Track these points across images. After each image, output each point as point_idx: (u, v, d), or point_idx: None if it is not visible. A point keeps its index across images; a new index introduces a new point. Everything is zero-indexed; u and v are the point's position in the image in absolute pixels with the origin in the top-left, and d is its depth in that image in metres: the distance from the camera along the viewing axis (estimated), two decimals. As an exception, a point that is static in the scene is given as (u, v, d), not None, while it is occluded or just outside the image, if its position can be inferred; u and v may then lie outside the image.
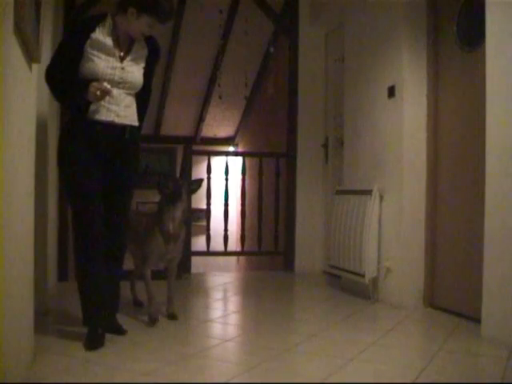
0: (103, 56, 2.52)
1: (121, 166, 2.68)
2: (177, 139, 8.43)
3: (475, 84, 3.06)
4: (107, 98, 2.50)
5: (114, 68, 2.54)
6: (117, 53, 2.56)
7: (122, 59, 2.57)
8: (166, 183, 2.94)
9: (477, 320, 2.84)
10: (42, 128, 2.96)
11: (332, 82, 5.06)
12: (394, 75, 3.63)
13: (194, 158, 5.08)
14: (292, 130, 5.19)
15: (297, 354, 2.55)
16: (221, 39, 6.52)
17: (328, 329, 3.01)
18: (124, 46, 2.60)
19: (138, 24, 2.53)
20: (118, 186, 2.70)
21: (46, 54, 2.88)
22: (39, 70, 2.44)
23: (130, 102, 2.65)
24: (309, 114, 5.14)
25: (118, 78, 2.54)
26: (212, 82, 7.35)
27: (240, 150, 8.64)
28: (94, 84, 2.43)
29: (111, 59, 2.54)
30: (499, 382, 2.16)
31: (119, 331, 2.69)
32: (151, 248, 2.97)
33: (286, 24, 5.35)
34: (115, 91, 2.53)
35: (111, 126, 2.58)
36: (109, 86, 2.44)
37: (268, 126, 6.90)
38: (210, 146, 8.02)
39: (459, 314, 3.20)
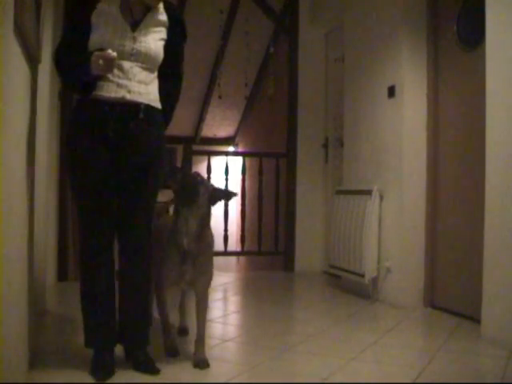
0: (111, 26, 2.17)
1: (136, 155, 2.21)
2: (177, 139, 8.42)
3: (475, 84, 3.05)
4: (116, 71, 2.14)
5: (123, 38, 2.17)
6: (127, 21, 2.20)
7: (133, 28, 2.20)
8: (174, 174, 2.24)
9: (477, 320, 2.84)
10: (42, 128, 2.96)
11: (332, 82, 5.06)
12: (394, 75, 3.63)
13: (194, 157, 5.09)
14: (292, 130, 5.20)
15: (297, 353, 2.54)
16: (221, 39, 6.52)
17: (328, 329, 3.01)
18: (137, 14, 2.23)
19: None
20: (135, 180, 2.23)
21: (46, 54, 2.89)
22: (39, 69, 2.44)
23: (147, 77, 2.23)
24: (309, 114, 5.14)
25: (128, 48, 2.17)
26: (212, 82, 7.35)
27: (240, 150, 8.64)
28: (96, 53, 2.07)
29: (120, 28, 2.18)
30: (499, 382, 2.16)
31: (150, 368, 2.19)
32: (164, 267, 2.30)
33: (286, 24, 5.36)
34: (127, 64, 2.17)
35: (121, 106, 2.17)
36: (114, 53, 2.06)
37: (268, 126, 6.90)
38: (210, 146, 8.02)
39: (459, 314, 3.20)
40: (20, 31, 1.73)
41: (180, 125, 8.37)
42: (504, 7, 2.66)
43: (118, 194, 2.24)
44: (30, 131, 2.16)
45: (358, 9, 4.16)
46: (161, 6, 2.29)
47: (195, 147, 6.10)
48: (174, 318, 2.66)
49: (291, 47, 5.28)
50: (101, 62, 2.04)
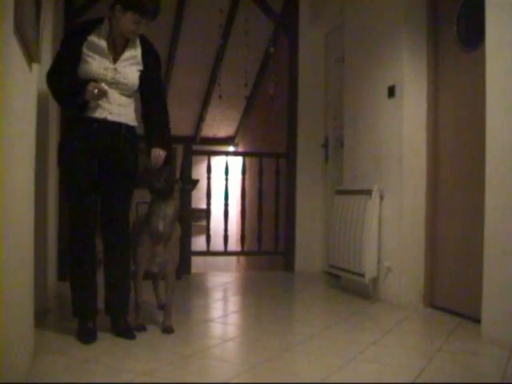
0: (97, 57, 2.63)
1: (117, 163, 2.71)
2: (177, 139, 8.41)
3: (475, 84, 3.05)
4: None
5: (106, 69, 2.64)
6: (111, 54, 2.66)
7: (115, 61, 2.67)
8: (159, 177, 2.72)
9: (477, 320, 2.84)
10: (42, 128, 2.96)
11: (332, 81, 5.06)
12: (394, 75, 3.63)
13: (194, 157, 5.08)
14: (292, 130, 5.19)
15: (297, 353, 2.55)
16: (221, 39, 6.52)
17: (328, 329, 3.01)
18: (119, 48, 2.70)
19: (125, 20, 2.61)
20: (116, 183, 2.74)
21: (46, 54, 2.89)
22: (39, 69, 2.44)
23: (125, 101, 2.73)
24: (309, 113, 5.14)
25: (110, 78, 2.64)
26: (212, 82, 7.35)
27: (240, 149, 8.64)
28: (92, 83, 2.55)
29: (104, 60, 2.64)
30: (499, 382, 2.16)
31: (128, 334, 2.67)
32: (139, 249, 2.78)
33: (285, 24, 5.36)
34: (109, 91, 2.62)
35: (106, 124, 2.66)
36: (106, 87, 2.56)
37: (268, 126, 6.90)
38: (210, 146, 8.02)
39: (459, 314, 3.20)
40: (20, 31, 1.73)
41: (180, 125, 8.37)
42: (504, 7, 2.66)
43: (102, 193, 2.73)
44: (30, 131, 2.16)
45: (358, 9, 4.15)
46: (137, 39, 2.74)
47: (195, 147, 6.10)
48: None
49: (291, 47, 5.27)
50: (96, 91, 2.52)
